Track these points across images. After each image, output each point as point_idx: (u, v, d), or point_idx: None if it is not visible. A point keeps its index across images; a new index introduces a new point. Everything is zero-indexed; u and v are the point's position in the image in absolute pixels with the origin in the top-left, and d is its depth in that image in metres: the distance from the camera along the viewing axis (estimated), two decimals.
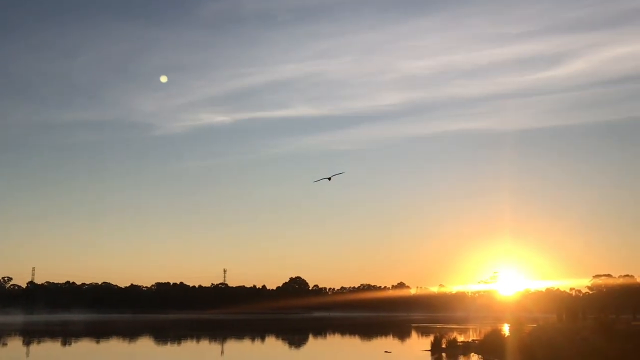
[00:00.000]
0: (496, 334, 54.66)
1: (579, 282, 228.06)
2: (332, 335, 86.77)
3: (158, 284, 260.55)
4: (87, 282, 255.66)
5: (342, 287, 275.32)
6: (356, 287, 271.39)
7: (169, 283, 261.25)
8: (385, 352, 53.02)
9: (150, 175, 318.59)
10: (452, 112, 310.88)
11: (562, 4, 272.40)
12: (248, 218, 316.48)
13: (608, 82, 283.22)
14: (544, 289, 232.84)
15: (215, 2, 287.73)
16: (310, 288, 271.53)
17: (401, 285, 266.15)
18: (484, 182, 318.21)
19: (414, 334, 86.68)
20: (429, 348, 52.17)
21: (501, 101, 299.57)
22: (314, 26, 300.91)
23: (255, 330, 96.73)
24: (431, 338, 55.08)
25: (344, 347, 66.78)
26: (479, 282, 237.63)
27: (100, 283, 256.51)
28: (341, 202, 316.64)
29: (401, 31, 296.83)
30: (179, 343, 67.15)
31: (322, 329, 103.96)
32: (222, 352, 56.98)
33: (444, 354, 48.72)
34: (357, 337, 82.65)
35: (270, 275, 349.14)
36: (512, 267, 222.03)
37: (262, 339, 76.16)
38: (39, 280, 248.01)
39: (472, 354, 48.54)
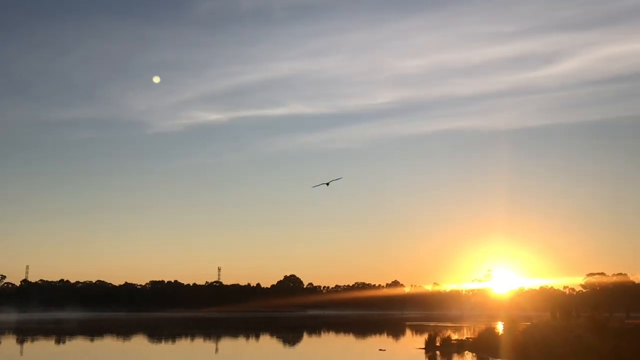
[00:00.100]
0: (490, 332, 54.81)
1: (572, 280, 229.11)
2: (326, 334, 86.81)
3: (152, 282, 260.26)
4: (81, 281, 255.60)
5: (336, 286, 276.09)
6: (350, 285, 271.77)
7: (163, 281, 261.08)
8: (380, 350, 53.10)
9: (145, 173, 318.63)
10: (446, 110, 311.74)
11: (556, 2, 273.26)
12: (242, 216, 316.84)
13: (602, 81, 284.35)
14: (537, 288, 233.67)
15: (210, 0, 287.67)
16: (304, 286, 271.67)
17: (395, 283, 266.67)
18: (478, 180, 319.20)
19: (408, 332, 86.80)
20: (423, 346, 52.26)
21: (495, 100, 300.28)
22: (309, 24, 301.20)
23: (250, 328, 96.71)
24: (425, 336, 55.16)
25: (338, 345, 66.82)
26: (473, 281, 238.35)
27: (94, 281, 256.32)
28: (335, 200, 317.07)
29: (396, 30, 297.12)
30: (174, 341, 67.07)
31: (316, 327, 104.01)
32: (216, 350, 56.94)
33: (438, 352, 48.80)
34: (351, 335, 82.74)
35: (264, 273, 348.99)
36: (506, 266, 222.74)
37: (257, 337, 76.16)
38: (33, 278, 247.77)
39: (466, 352, 48.63)
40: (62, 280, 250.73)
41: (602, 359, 39.07)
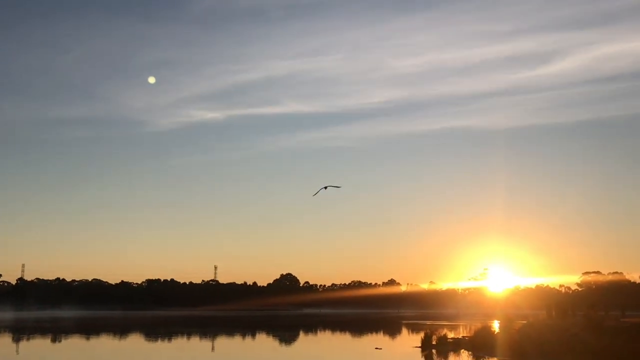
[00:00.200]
0: (486, 331, 54.94)
1: (568, 279, 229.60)
2: (322, 332, 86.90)
3: (148, 281, 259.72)
4: (78, 279, 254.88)
5: (332, 284, 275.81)
6: (347, 283, 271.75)
7: (159, 280, 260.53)
8: (376, 348, 53.20)
9: (141, 171, 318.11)
10: (442, 109, 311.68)
11: (552, 2, 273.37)
12: (239, 215, 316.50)
13: (599, 80, 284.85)
14: (533, 286, 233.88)
15: None
16: (301, 285, 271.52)
17: (392, 282, 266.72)
18: (474, 179, 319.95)
19: (404, 331, 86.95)
20: (420, 345, 52.35)
21: (492, 99, 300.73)
22: (306, 23, 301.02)
23: (246, 327, 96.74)
24: (421, 335, 55.31)
25: (334, 344, 66.89)
26: (469, 279, 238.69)
27: (90, 280, 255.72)
28: (332, 199, 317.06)
29: (392, 28, 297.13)
30: (170, 340, 67.07)
31: (313, 325, 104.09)
32: (212, 348, 56.96)
33: (434, 351, 48.91)
34: (347, 334, 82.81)
35: (261, 271, 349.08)
36: (502, 264, 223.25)
37: (253, 336, 76.21)
38: (29, 276, 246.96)
39: (462, 350, 48.77)
40: (58, 279, 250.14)
41: (598, 357, 39.24)
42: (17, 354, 50.50)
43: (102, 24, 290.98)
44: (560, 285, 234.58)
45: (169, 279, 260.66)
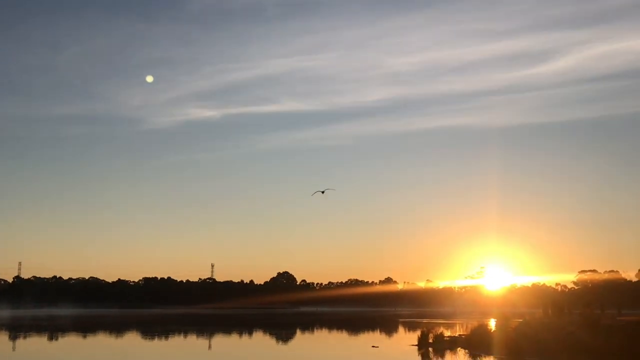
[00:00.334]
0: (483, 329, 55.00)
1: (564, 277, 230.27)
2: (319, 331, 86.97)
3: (145, 279, 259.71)
4: (74, 277, 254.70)
5: (329, 282, 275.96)
6: (344, 282, 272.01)
7: (156, 278, 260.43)
8: (373, 347, 53.27)
9: (138, 169, 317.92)
10: (439, 108, 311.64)
11: (549, 1, 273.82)
12: (236, 213, 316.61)
13: (594, 79, 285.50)
14: (530, 284, 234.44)
15: None
16: (298, 283, 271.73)
17: (388, 280, 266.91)
18: (471, 178, 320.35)
19: (401, 329, 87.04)
20: (416, 343, 52.42)
21: (488, 98, 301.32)
22: (302, 21, 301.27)
23: (243, 325, 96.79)
24: (418, 333, 55.33)
25: (331, 342, 66.93)
26: (465, 278, 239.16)
27: (87, 278, 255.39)
28: (328, 197, 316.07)
29: (389, 27, 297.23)
30: (167, 338, 67.07)
31: (309, 324, 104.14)
32: (209, 347, 56.99)
33: (430, 349, 48.97)
34: (344, 332, 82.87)
35: (258, 270, 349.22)
36: (498, 263, 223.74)
37: (250, 334, 76.25)
38: (26, 275, 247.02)
39: (459, 348, 48.84)
40: (54, 277, 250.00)
41: (594, 356, 39.35)
42: (14, 351, 50.48)
43: (101, 23, 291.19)
44: (557, 284, 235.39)
45: (165, 277, 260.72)
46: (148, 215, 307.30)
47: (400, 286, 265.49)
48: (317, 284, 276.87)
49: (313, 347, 58.41)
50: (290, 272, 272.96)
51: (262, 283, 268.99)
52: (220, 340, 65.36)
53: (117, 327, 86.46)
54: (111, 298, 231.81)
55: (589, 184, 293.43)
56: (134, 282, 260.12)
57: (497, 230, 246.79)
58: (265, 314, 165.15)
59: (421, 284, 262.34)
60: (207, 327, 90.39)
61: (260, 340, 66.39)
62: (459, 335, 60.62)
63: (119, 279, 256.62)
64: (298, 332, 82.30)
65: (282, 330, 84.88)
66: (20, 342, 61.40)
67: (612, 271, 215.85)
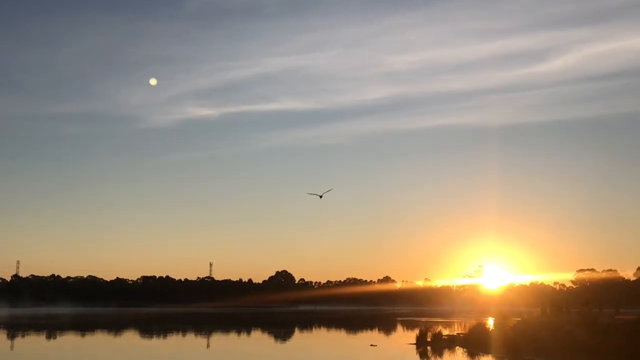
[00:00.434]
0: (481, 328, 55.05)
1: (562, 276, 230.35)
2: (318, 329, 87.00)
3: (144, 278, 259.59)
4: (73, 276, 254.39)
5: (328, 281, 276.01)
6: (342, 281, 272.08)
7: (154, 276, 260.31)
8: (371, 345, 53.28)
9: (137, 168, 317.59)
10: (437, 107, 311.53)
11: (547, 0, 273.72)
12: (234, 211, 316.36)
13: (592, 78, 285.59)
14: (528, 283, 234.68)
15: None
16: (296, 282, 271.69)
17: (387, 279, 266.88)
18: (470, 177, 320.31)
19: (399, 328, 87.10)
20: (414, 341, 52.44)
21: (486, 96, 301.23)
22: (301, 20, 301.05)
23: (242, 324, 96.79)
24: (416, 332, 55.41)
25: (330, 341, 66.96)
26: (464, 277, 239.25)
27: (85, 276, 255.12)
28: (327, 196, 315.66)
29: (387, 26, 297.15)
30: (165, 337, 67.05)
31: (308, 322, 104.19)
32: (207, 345, 56.98)
33: (429, 348, 49.00)
34: (342, 331, 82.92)
35: (256, 269, 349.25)
36: (497, 262, 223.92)
37: (248, 332, 76.24)
38: (24, 273, 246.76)
39: (457, 347, 48.88)
40: (53, 276, 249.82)
41: (592, 354, 39.39)
42: (12, 350, 50.43)
43: (100, 21, 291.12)
44: (555, 283, 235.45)
45: (164, 276, 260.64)
46: (146, 214, 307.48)
47: (398, 285, 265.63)
48: (316, 282, 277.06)
49: (311, 346, 58.41)
50: (289, 270, 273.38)
51: (261, 282, 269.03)
52: (219, 339, 65.34)
53: (115, 326, 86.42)
54: (109, 297, 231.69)
55: (588, 183, 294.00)
56: (132, 280, 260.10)
57: (495, 229, 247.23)
58: (264, 312, 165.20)
59: (419, 283, 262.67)
60: (205, 325, 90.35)
61: (259, 339, 66.38)
62: (458, 334, 60.65)
63: (118, 278, 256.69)
64: (296, 330, 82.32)
65: (281, 329, 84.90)
66: (18, 341, 61.33)
67: (611, 270, 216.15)
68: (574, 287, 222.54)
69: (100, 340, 63.33)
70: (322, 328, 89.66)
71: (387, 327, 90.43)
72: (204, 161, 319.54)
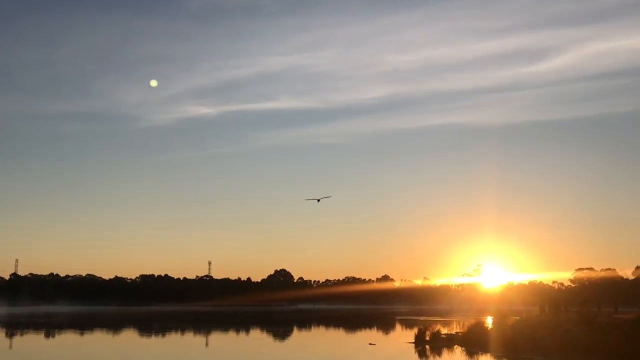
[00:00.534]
0: (479, 327, 55.10)
1: (561, 275, 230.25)
2: (317, 328, 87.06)
3: (142, 276, 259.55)
4: (71, 274, 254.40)
5: (327, 280, 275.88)
6: (341, 279, 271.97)
7: (153, 275, 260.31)
8: (370, 344, 53.33)
9: (136, 166, 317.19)
10: (436, 106, 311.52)
11: None
12: (233, 210, 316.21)
13: (591, 78, 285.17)
14: (526, 282, 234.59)
15: None
16: (295, 281, 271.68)
17: (385, 278, 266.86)
18: (468, 175, 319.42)
19: (398, 327, 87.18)
20: (413, 340, 52.50)
21: (486, 95, 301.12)
22: (300, 19, 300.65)
23: (240, 322, 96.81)
24: (415, 330, 55.44)
25: (328, 339, 67.03)
26: (462, 275, 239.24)
27: (84, 275, 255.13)
28: (326, 195, 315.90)
29: (387, 25, 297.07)
30: (164, 335, 67.07)
31: (307, 321, 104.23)
32: (206, 344, 57.02)
33: (427, 346, 49.05)
34: (341, 329, 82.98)
35: (255, 267, 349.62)
36: (495, 261, 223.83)
37: (247, 331, 76.26)
38: (23, 272, 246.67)
39: (456, 346, 48.93)
40: (52, 274, 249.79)
41: (591, 353, 39.45)
42: (10, 348, 50.44)
43: (99, 20, 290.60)
44: (554, 282, 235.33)
45: (163, 275, 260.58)
46: (145, 212, 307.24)
47: (397, 284, 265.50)
48: (315, 281, 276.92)
49: (310, 345, 58.46)
50: (288, 269, 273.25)
51: (260, 280, 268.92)
52: (218, 338, 65.37)
53: (114, 325, 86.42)
54: (108, 295, 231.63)
55: (587, 182, 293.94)
56: (131, 279, 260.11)
57: (494, 228, 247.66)
58: (263, 311, 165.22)
59: (418, 282, 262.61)
60: (204, 324, 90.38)
61: (258, 338, 66.42)
62: (456, 332, 60.72)
63: (116, 276, 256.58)
64: (295, 329, 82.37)
65: (280, 327, 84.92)
66: (17, 339, 61.34)
67: (609, 269, 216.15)
68: (573, 286, 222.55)
69: (99, 338, 63.35)
70: (321, 327, 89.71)
71: (385, 325, 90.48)
72: (203, 160, 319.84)
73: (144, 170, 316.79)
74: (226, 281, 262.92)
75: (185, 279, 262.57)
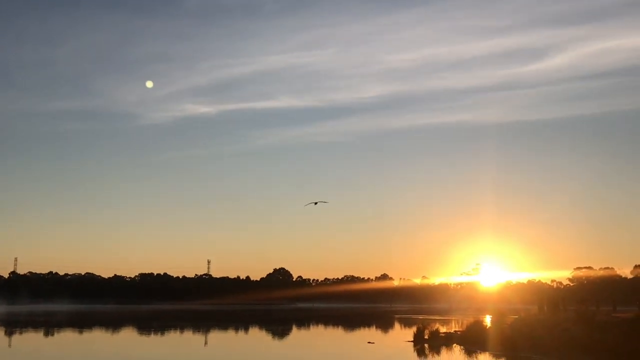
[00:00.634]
0: (478, 325, 55.19)
1: (560, 274, 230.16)
2: (316, 327, 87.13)
3: (141, 275, 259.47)
4: (70, 273, 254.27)
5: (326, 279, 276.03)
6: (340, 278, 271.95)
7: (152, 274, 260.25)
8: (369, 343, 53.40)
9: (134, 165, 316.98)
10: (435, 104, 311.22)
11: None
12: (232, 209, 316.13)
13: (590, 76, 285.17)
14: (525, 281, 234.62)
15: None
16: (294, 279, 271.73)
17: (384, 276, 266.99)
18: (467, 174, 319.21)
19: (396, 325, 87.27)
20: (412, 339, 52.60)
21: (484, 94, 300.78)
22: (299, 18, 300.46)
23: (239, 321, 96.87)
24: (414, 329, 55.50)
25: (327, 338, 67.10)
26: (461, 274, 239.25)
27: (83, 273, 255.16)
28: (325, 194, 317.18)
29: (386, 23, 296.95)
30: (163, 334, 67.12)
31: (305, 320, 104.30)
32: (205, 343, 57.07)
33: (426, 345, 49.14)
34: (340, 328, 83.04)
35: (254, 266, 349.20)
36: (494, 259, 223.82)
37: (246, 330, 76.32)
38: (22, 270, 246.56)
39: (454, 344, 49.00)
40: (51, 273, 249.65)
41: (589, 352, 39.53)
42: (10, 347, 50.47)
43: (98, 18, 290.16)
44: (552, 280, 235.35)
45: (162, 273, 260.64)
46: (144, 211, 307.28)
47: (396, 282, 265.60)
48: (314, 280, 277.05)
49: (309, 343, 58.54)
50: (287, 268, 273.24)
51: (259, 279, 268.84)
52: (217, 336, 65.43)
53: (113, 323, 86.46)
54: (107, 294, 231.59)
55: (585, 181, 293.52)
56: (130, 277, 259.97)
57: (492, 227, 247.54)
58: (262, 310, 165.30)
59: (417, 281, 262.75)
60: (203, 323, 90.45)
61: (257, 336, 66.50)
62: (455, 331, 60.82)
63: (115, 275, 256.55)
64: (294, 328, 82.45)
65: (279, 326, 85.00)
66: (16, 337, 61.37)
67: (607, 268, 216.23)
68: (571, 284, 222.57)
69: (98, 337, 63.40)
70: (320, 325, 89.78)
71: (384, 324, 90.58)
72: (203, 158, 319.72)
73: (143, 168, 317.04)
74: (225, 280, 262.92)
75: (184, 277, 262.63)
